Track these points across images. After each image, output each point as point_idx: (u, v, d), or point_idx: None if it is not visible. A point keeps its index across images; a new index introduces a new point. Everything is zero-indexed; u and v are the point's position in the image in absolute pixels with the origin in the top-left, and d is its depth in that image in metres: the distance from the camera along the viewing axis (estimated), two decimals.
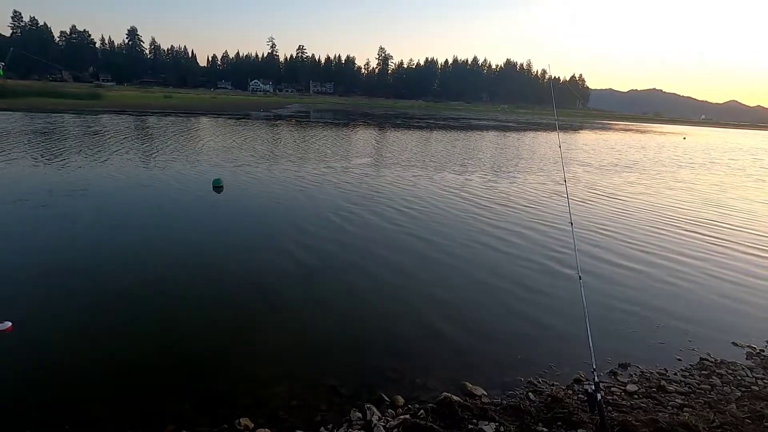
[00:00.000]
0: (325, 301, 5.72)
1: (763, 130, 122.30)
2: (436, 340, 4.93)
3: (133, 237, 7.73)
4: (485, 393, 4.02)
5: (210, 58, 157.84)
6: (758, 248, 9.10)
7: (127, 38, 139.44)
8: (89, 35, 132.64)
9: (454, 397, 3.81)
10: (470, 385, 4.10)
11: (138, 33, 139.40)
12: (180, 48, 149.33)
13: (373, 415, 3.58)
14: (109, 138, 20.57)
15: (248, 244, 7.73)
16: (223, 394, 3.89)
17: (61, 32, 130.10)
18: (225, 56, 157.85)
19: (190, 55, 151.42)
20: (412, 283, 6.36)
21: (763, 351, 5.15)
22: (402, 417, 3.56)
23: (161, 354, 4.46)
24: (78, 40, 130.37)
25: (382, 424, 3.45)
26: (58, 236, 7.50)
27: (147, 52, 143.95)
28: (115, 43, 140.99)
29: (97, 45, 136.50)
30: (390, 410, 3.73)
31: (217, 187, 11.79)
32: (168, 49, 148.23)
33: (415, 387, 4.09)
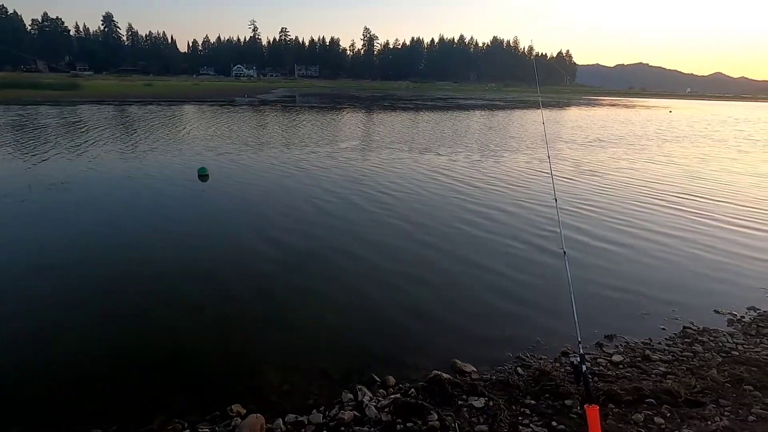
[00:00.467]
0: (313, 286, 5.72)
1: (746, 101, 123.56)
2: (426, 320, 4.98)
3: (117, 228, 7.61)
4: (475, 370, 4.08)
5: (190, 44, 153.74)
6: (739, 219, 9.28)
7: (102, 25, 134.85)
8: (63, 23, 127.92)
9: (444, 375, 3.87)
10: (460, 363, 4.16)
11: (114, 19, 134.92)
12: (159, 34, 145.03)
13: (364, 395, 3.63)
14: (89, 129, 20.05)
15: (235, 231, 7.67)
16: (214, 383, 3.90)
17: (33, 20, 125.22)
18: (206, 41, 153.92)
19: (169, 40, 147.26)
20: (399, 266, 6.38)
21: (744, 318, 5.29)
22: (393, 396, 3.61)
23: (150, 346, 4.44)
24: (51, 28, 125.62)
25: (374, 404, 3.50)
26: (40, 231, 7.35)
27: (124, 38, 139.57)
28: (91, 31, 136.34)
29: (72, 33, 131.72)
30: (381, 390, 3.78)
31: (203, 175, 11.62)
32: (146, 35, 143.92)
33: (406, 367, 4.14)
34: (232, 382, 3.91)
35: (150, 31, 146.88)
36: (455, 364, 4.15)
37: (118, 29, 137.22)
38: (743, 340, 4.78)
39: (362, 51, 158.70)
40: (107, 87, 53.78)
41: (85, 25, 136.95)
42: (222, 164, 13.21)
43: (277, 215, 8.55)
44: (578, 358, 3.30)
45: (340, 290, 5.63)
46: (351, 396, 3.65)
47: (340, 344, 4.52)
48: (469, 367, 4.09)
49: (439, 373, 3.89)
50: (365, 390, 3.70)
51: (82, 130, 19.78)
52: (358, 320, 4.98)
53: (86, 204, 8.98)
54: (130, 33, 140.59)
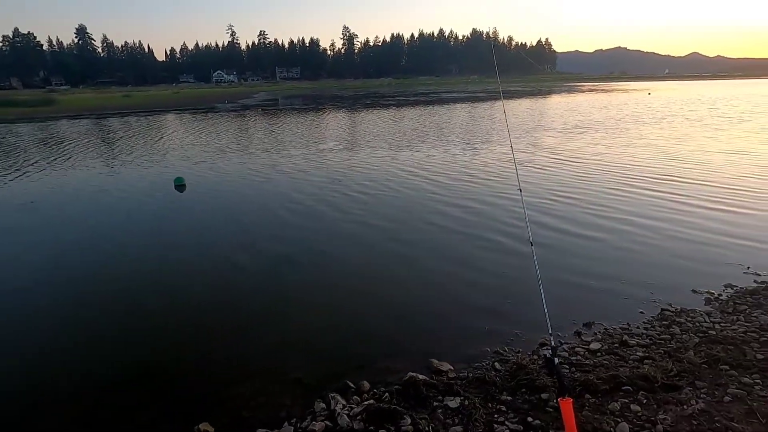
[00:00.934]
0: (287, 293, 5.61)
1: (722, 79, 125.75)
2: (401, 321, 4.90)
3: (87, 246, 7.41)
4: (451, 368, 4.01)
5: (168, 52, 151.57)
6: (714, 197, 9.33)
7: (76, 37, 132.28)
8: (35, 37, 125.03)
9: (420, 376, 3.79)
10: (437, 362, 4.08)
11: (87, 31, 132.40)
12: (135, 43, 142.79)
13: (337, 404, 3.53)
14: (64, 144, 19.59)
15: (209, 242, 7.51)
16: (183, 400, 3.78)
17: (4, 36, 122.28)
18: (184, 48, 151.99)
19: (146, 50, 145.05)
20: (373, 267, 6.29)
21: (721, 295, 5.30)
22: (367, 402, 3.52)
23: (116, 364, 4.30)
24: (23, 43, 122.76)
25: (346, 412, 3.41)
26: (19, 249, 7.13)
27: (100, 50, 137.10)
28: (65, 44, 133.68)
29: (45, 47, 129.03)
30: (355, 396, 3.68)
31: (180, 185, 11.40)
32: (122, 46, 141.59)
33: (381, 370, 4.04)
34: (202, 398, 3.78)
35: (126, 42, 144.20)
36: (432, 363, 4.07)
37: (92, 41, 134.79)
38: (720, 318, 4.77)
39: (343, 50, 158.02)
40: (84, 100, 52.71)
41: (58, 39, 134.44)
42: (200, 173, 12.99)
43: (251, 222, 8.43)
44: (550, 351, 3.25)
45: (314, 295, 5.52)
46: (324, 405, 3.55)
47: (314, 351, 4.41)
48: (446, 366, 4.02)
49: (415, 374, 3.80)
50: (338, 398, 3.60)
51: (57, 145, 19.32)
52: (332, 325, 4.88)
53: (56, 223, 8.74)
54: (105, 44, 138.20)
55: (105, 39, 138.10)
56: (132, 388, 3.95)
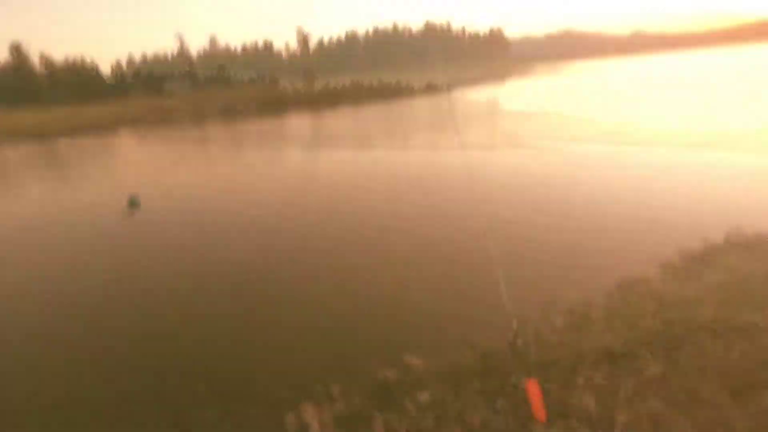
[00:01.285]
0: (254, 305, 5.45)
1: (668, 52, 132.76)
2: (372, 320, 4.87)
3: (43, 258, 6.97)
4: (421, 362, 4.00)
5: (114, 65, 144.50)
6: (663, 168, 9.80)
7: (11, 56, 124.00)
8: None
9: (390, 374, 3.77)
10: (408, 357, 4.06)
11: (21, 49, 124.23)
12: (77, 59, 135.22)
13: (308, 415, 3.45)
14: (6, 167, 18.37)
15: (164, 258, 7.22)
16: (144, 424, 3.59)
17: None
18: (131, 61, 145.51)
19: (90, 63, 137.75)
20: (339, 271, 6.21)
21: (673, 261, 5.54)
22: (337, 408, 3.46)
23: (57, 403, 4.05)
24: None
25: (317, 421, 3.33)
26: None
27: (39, 68, 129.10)
28: None
29: None
30: (327, 403, 3.61)
31: (134, 204, 10.89)
32: (64, 62, 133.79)
33: (352, 372, 3.99)
34: (166, 422, 3.62)
35: (67, 57, 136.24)
36: (402, 359, 4.05)
37: (29, 59, 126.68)
38: (674, 283, 4.99)
39: (298, 51, 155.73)
40: (24, 121, 49.58)
41: None
42: (155, 190, 12.47)
43: (208, 238, 8.14)
44: (512, 334, 3.29)
45: (282, 304, 5.40)
46: (295, 418, 3.46)
47: (286, 359, 4.32)
48: (416, 360, 4.01)
49: (385, 372, 3.78)
50: (309, 408, 3.52)
51: None
52: (303, 332, 4.78)
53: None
54: (44, 61, 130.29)
55: (43, 56, 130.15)
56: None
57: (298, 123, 29.61)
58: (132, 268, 6.99)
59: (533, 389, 2.98)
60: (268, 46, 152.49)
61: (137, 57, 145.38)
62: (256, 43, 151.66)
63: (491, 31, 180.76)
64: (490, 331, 4.43)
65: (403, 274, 5.95)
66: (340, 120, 28.00)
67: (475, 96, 33.94)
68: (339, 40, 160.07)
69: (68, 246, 8.35)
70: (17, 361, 4.77)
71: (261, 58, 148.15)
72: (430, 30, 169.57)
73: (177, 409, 3.79)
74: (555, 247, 6.24)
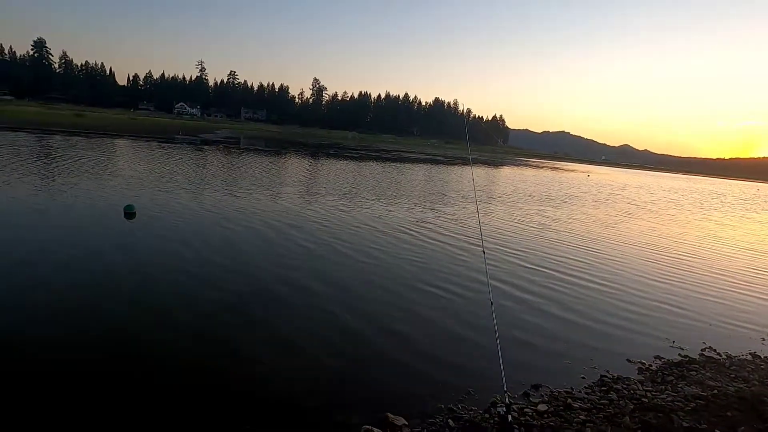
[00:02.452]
0: (238, 343, 5.27)
1: (649, 170, 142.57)
2: (357, 373, 4.86)
3: (29, 268, 6.79)
4: (406, 423, 4.00)
5: (131, 78, 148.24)
6: (652, 274, 10.32)
7: (32, 50, 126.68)
8: None
9: (375, 430, 3.75)
10: (392, 416, 4.06)
11: (46, 45, 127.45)
12: (96, 64, 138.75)
13: None
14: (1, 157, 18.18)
15: (157, 275, 7.13)
16: None
17: None
18: (148, 76, 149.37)
19: (108, 72, 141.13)
20: (329, 318, 6.19)
21: (651, 366, 5.76)
22: None
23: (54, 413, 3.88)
24: None
25: None
26: None
27: (56, 66, 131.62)
28: (18, 55, 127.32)
29: None
30: None
31: (130, 213, 10.87)
32: (82, 65, 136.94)
33: (336, 425, 3.95)
34: None
35: (87, 61, 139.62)
36: (387, 417, 4.04)
37: (50, 56, 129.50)
38: (651, 387, 5.17)
39: (311, 100, 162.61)
40: (29, 113, 49.72)
41: (11, 49, 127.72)
42: (153, 202, 12.49)
43: (201, 262, 8.08)
44: (504, 408, 3.39)
45: (265, 345, 5.27)
46: None
47: (267, 404, 4.22)
48: (401, 420, 4.01)
49: (370, 428, 3.76)
50: None
51: None
52: (286, 375, 4.72)
53: None
54: (64, 61, 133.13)
55: (64, 56, 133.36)
56: None
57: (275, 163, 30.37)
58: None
59: None
60: (283, 90, 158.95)
61: (156, 75, 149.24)
62: (272, 85, 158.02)
63: (494, 117, 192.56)
64: (473, 403, 4.49)
65: (396, 332, 5.99)
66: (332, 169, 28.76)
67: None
68: (352, 97, 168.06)
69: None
70: None
71: (274, 100, 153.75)
72: (438, 105, 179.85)
73: None
74: (546, 330, 6.40)
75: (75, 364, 4.50)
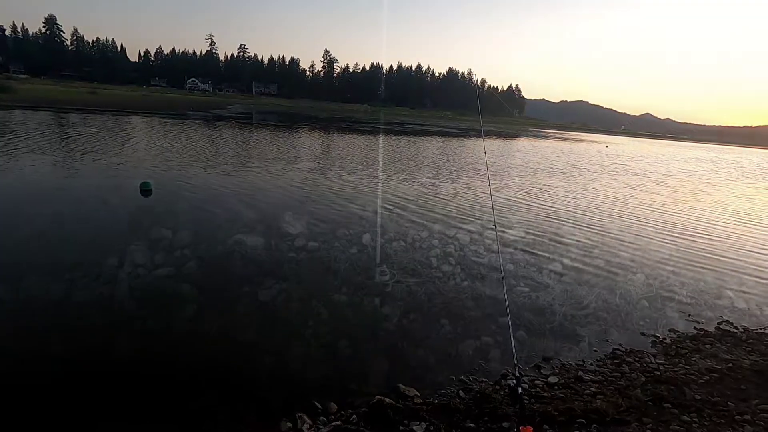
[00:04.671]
0: (254, 313, 5.49)
1: (670, 140, 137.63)
2: (370, 345, 4.97)
3: (47, 245, 7.02)
4: (418, 394, 4.10)
5: (142, 54, 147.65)
6: (661, 243, 10.13)
7: (44, 27, 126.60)
8: None
9: (387, 400, 3.85)
10: (404, 387, 4.16)
11: (57, 22, 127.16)
12: (107, 41, 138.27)
13: (303, 423, 3.52)
14: (17, 136, 18.52)
15: (175, 251, 7.29)
16: (143, 417, 3.63)
17: None
18: (159, 52, 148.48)
19: (119, 48, 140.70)
20: (343, 292, 6.28)
21: (665, 339, 5.73)
22: (334, 424, 3.54)
23: (66, 382, 4.08)
24: None
25: (313, 431, 3.40)
26: None
27: (68, 43, 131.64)
28: (30, 32, 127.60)
29: (7, 32, 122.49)
30: (322, 417, 3.69)
31: (146, 190, 11.04)
32: (93, 42, 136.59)
33: (350, 393, 4.07)
34: (164, 413, 3.66)
35: (98, 38, 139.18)
36: (399, 388, 4.14)
37: (62, 33, 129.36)
38: (665, 360, 5.16)
39: (322, 72, 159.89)
40: (45, 92, 50.19)
41: (23, 26, 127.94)
42: (169, 179, 12.65)
43: (218, 237, 8.22)
44: (514, 381, 3.42)
45: (282, 317, 5.46)
46: (290, 425, 3.53)
47: (282, 372, 4.39)
48: (413, 392, 4.10)
49: (382, 398, 3.86)
50: (305, 418, 3.60)
51: (8, 137, 18.23)
52: (301, 346, 4.85)
53: (12, 218, 8.23)
54: (75, 38, 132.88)
55: (75, 32, 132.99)
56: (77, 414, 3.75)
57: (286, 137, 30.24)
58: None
59: None
60: (294, 62, 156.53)
61: (166, 50, 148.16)
62: (282, 58, 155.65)
63: (509, 87, 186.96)
64: (484, 375, 4.56)
65: (409, 305, 6.05)
66: (338, 140, 28.57)
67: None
68: (363, 69, 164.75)
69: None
70: None
71: (285, 74, 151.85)
72: (452, 76, 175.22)
73: (177, 396, 3.84)
74: (558, 304, 6.39)
75: (83, 342, 4.69)
